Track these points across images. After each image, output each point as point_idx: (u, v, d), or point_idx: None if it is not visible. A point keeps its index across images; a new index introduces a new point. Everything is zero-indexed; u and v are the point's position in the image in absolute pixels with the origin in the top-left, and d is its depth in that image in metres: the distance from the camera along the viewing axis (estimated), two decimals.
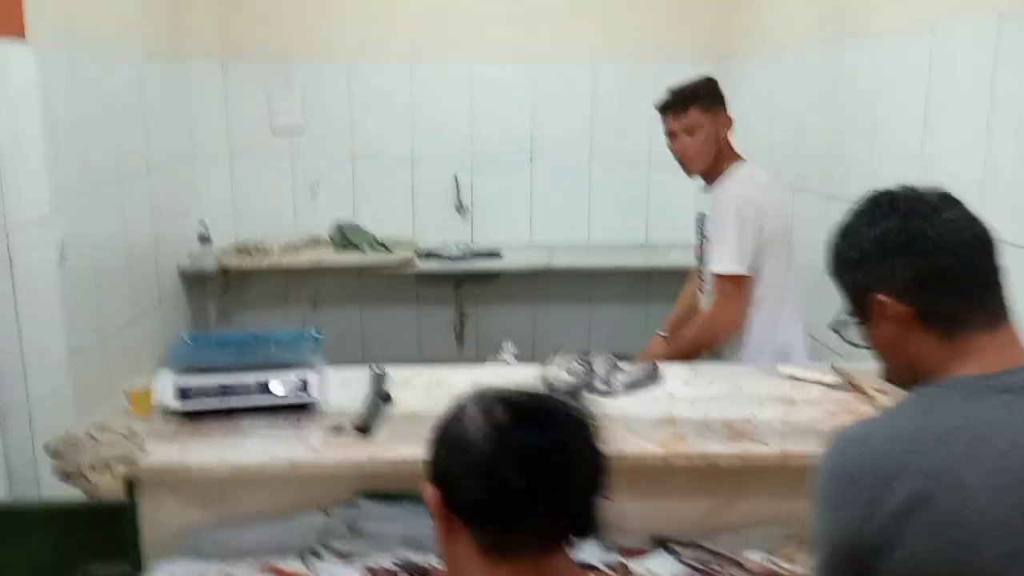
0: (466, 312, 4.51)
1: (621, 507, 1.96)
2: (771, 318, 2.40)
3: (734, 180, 2.40)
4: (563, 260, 4.28)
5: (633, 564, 1.83)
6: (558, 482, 1.02)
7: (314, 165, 4.55)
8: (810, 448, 1.82)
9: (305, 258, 4.26)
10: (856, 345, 1.29)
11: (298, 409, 2.05)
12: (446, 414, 1.10)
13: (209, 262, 4.21)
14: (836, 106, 3.09)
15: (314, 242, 4.42)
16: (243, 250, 4.29)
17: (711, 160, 2.42)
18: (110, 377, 3.17)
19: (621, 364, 2.22)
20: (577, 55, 4.48)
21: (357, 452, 1.85)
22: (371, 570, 1.85)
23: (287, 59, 4.47)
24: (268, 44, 4.44)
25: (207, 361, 2.03)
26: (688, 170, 2.48)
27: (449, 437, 1.07)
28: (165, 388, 2.00)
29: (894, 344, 1.19)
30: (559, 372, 2.19)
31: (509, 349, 2.69)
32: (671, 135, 2.44)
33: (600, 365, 2.20)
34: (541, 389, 1.10)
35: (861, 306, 1.22)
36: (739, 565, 1.83)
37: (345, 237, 4.36)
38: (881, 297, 1.17)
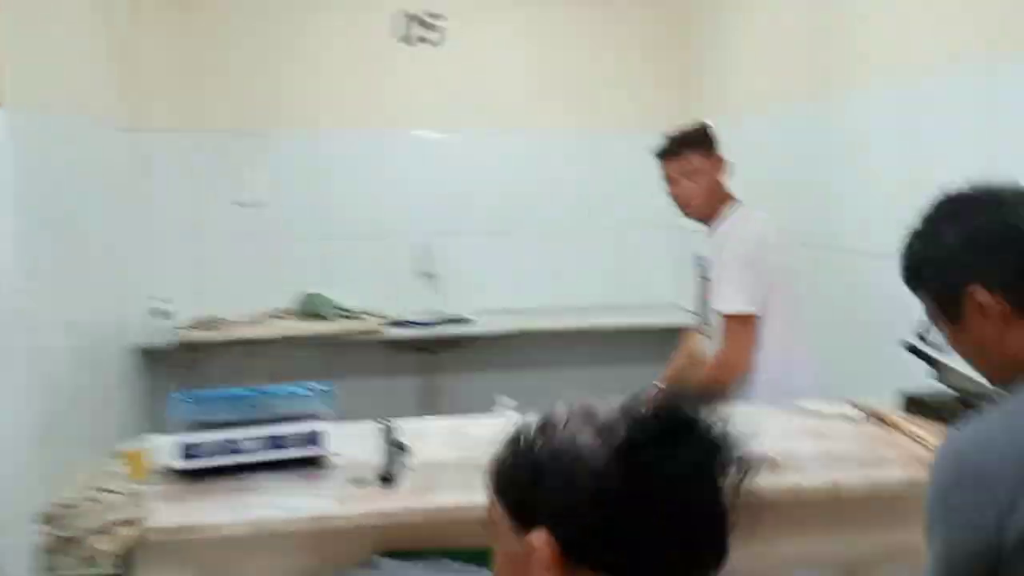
0: (437, 381, 4.40)
1: None
2: (781, 360, 2.37)
3: (737, 220, 2.41)
4: (536, 324, 4.23)
5: None
6: (698, 510, 0.83)
7: (278, 237, 4.45)
8: (856, 478, 1.77)
9: (269, 329, 4.11)
10: (931, 361, 1.25)
11: (308, 464, 1.93)
12: (536, 438, 0.88)
13: (167, 338, 4.03)
14: (819, 161, 3.15)
15: (278, 315, 4.28)
16: (204, 324, 4.12)
17: (710, 203, 2.43)
18: (68, 459, 2.96)
19: None
20: (546, 123, 4.54)
21: (386, 503, 1.73)
22: None
23: (251, 130, 4.41)
24: (231, 115, 4.38)
25: (211, 417, 1.89)
26: (687, 214, 2.49)
27: (557, 465, 0.84)
28: (167, 447, 1.86)
29: (991, 342, 1.16)
30: None
31: (506, 403, 2.59)
32: (670, 180, 2.45)
33: None
34: (658, 401, 0.88)
35: (951, 308, 1.19)
36: None
37: (310, 308, 4.24)
38: (977, 294, 1.14)
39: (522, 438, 0.90)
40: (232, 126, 4.39)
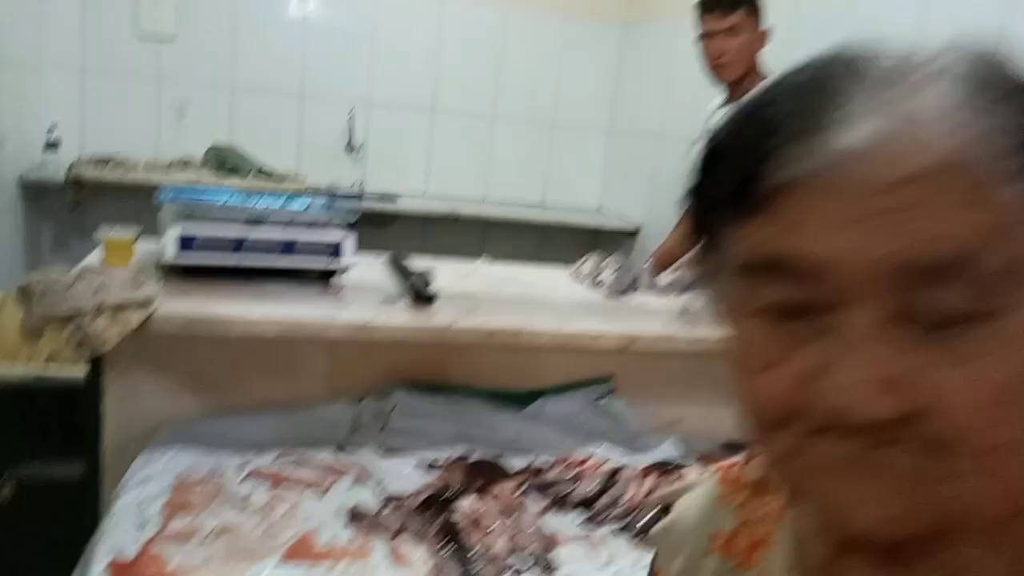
0: None
1: (695, 410, 1.79)
2: None
3: None
4: (463, 209, 4.04)
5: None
6: None
7: (185, 81, 4.00)
8: None
9: (174, 177, 3.70)
10: None
11: (321, 280, 1.70)
12: None
13: (55, 172, 3.56)
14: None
15: (183, 164, 3.86)
16: (101, 162, 3.67)
17: (743, 70, 2.32)
18: None
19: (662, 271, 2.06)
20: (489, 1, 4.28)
21: (434, 319, 1.54)
22: (428, 464, 1.54)
23: None
24: None
25: (218, 210, 1.62)
26: (719, 76, 2.36)
27: None
28: (165, 237, 1.58)
29: None
30: (601, 272, 1.98)
31: (489, 259, 2.45)
32: (708, 36, 2.32)
33: (635, 268, 2.02)
34: None
35: None
36: None
37: (223, 161, 3.85)
38: None
39: None
40: None
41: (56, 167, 3.59)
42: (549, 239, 4.28)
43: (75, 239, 3.86)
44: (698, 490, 0.65)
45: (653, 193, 4.02)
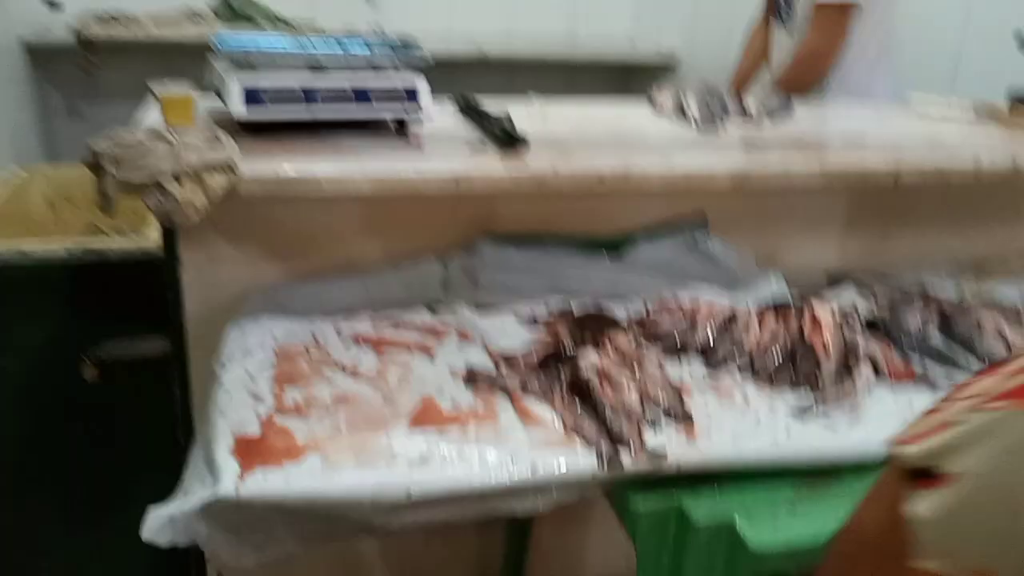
0: None
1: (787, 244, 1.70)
2: (866, 72, 2.16)
3: None
4: (488, 51, 3.83)
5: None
6: None
7: None
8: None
9: (186, 31, 3.49)
10: None
11: (395, 130, 1.58)
12: None
13: (61, 33, 3.35)
14: None
15: (192, 16, 3.63)
16: (106, 21, 3.44)
17: None
18: None
19: (746, 96, 1.91)
20: None
21: (534, 164, 1.42)
22: (529, 319, 1.47)
23: None
24: None
25: (279, 57, 1.48)
26: None
27: None
28: (226, 91, 1.44)
29: None
30: (684, 100, 1.84)
31: (534, 98, 2.29)
32: None
33: (721, 95, 1.87)
34: None
35: None
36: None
37: (233, 10, 3.61)
38: None
39: None
40: None
41: (60, 29, 3.39)
42: (580, 76, 4.09)
43: (87, 106, 3.70)
44: (1003, 438, 0.43)
45: (695, 20, 3.78)
